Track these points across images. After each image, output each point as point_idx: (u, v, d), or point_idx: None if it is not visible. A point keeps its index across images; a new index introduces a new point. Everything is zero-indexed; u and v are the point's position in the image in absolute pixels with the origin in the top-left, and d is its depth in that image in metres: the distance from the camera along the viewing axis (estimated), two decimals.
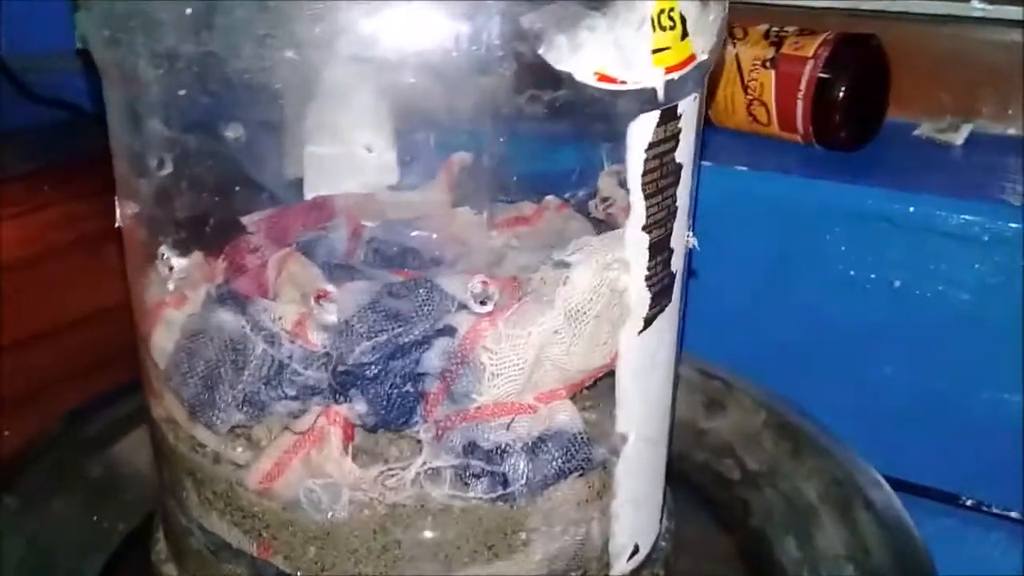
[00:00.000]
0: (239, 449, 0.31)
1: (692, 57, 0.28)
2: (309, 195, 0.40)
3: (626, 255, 0.29)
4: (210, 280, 0.33)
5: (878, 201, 0.55)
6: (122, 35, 0.27)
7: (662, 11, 0.26)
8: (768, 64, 0.60)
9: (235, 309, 0.31)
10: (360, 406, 0.29)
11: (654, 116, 0.28)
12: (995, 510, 0.54)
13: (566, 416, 0.30)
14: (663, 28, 0.27)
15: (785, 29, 0.61)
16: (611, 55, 0.25)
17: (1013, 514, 0.53)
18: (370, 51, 0.26)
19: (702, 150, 0.63)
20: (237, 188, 0.38)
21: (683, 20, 0.27)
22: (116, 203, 0.33)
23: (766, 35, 0.61)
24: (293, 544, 0.30)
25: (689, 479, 0.49)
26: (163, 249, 0.31)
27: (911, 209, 0.54)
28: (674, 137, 0.29)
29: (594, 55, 0.25)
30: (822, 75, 0.58)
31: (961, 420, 0.55)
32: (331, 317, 0.30)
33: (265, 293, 0.33)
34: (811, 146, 0.61)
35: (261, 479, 0.30)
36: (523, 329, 0.28)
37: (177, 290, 0.32)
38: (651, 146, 0.28)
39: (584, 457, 0.31)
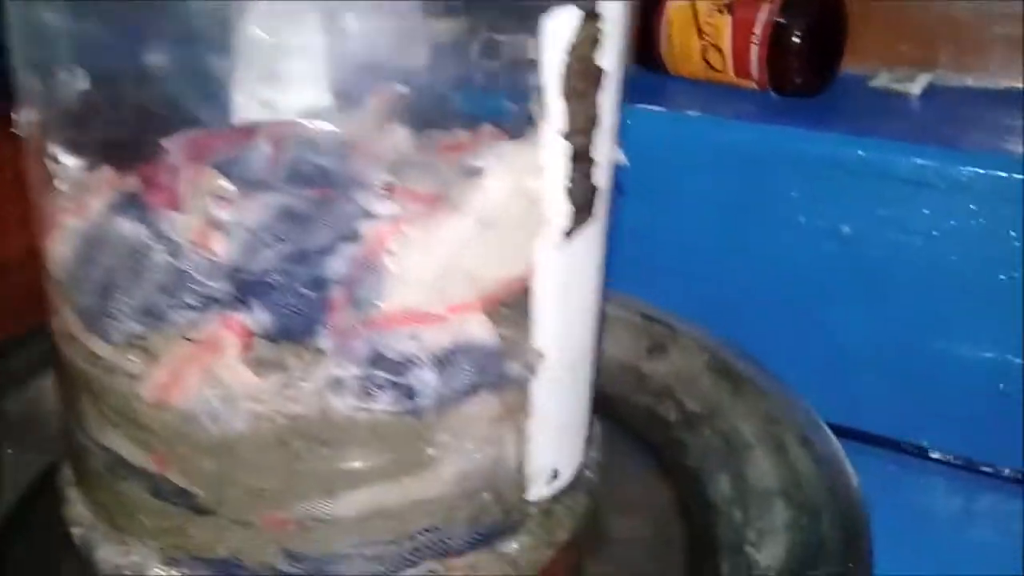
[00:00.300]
0: (135, 360, 0.29)
1: None
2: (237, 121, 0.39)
3: (542, 161, 0.28)
4: (115, 191, 0.32)
5: (829, 146, 0.54)
6: None
7: None
8: (724, 9, 0.59)
9: (136, 218, 0.30)
10: (261, 314, 0.28)
11: (573, 12, 0.27)
12: (939, 456, 0.53)
13: (479, 328, 0.29)
14: None
15: None
16: None
17: (954, 459, 0.53)
18: None
19: (657, 96, 0.62)
20: (158, 111, 0.37)
21: None
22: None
23: None
24: (190, 458, 0.29)
25: (630, 422, 0.49)
26: (52, 147, 0.30)
27: (862, 154, 0.53)
28: (595, 39, 0.28)
29: None
30: (778, 20, 0.57)
31: (914, 368, 0.54)
32: (235, 227, 0.29)
33: (175, 206, 0.32)
34: (766, 93, 0.60)
35: (156, 390, 0.29)
36: (430, 233, 0.27)
37: (75, 197, 0.30)
38: (569, 45, 0.27)
39: (497, 373, 0.30)
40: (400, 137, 0.31)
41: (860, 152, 0.53)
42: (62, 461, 0.37)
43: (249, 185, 0.31)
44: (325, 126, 0.34)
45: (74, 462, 0.34)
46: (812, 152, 0.54)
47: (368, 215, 0.27)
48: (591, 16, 0.27)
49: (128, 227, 0.30)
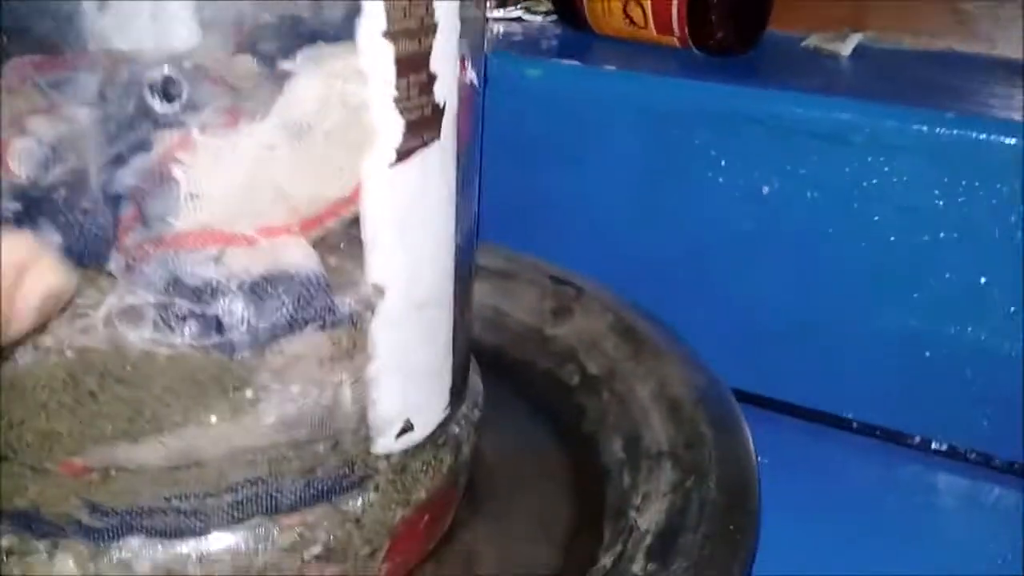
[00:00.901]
0: None
1: None
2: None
3: (361, 64, 0.25)
4: None
5: (747, 102, 0.51)
6: None
7: None
8: None
9: None
10: (50, 235, 0.25)
11: None
12: (857, 426, 0.51)
13: (298, 255, 0.26)
14: None
15: None
16: None
17: (877, 432, 0.50)
18: None
19: (577, 53, 0.59)
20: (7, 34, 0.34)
21: None
22: None
23: None
24: None
25: (530, 386, 0.46)
26: None
27: (780, 109, 0.50)
28: None
29: None
30: None
31: (837, 334, 0.52)
32: (34, 143, 0.26)
33: None
34: (689, 51, 0.57)
35: None
36: (227, 140, 0.24)
37: None
38: None
39: (323, 306, 0.27)
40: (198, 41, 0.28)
41: (778, 107, 0.50)
42: None
43: (58, 102, 0.28)
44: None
45: None
46: (729, 108, 0.51)
47: (158, 123, 0.24)
48: None
49: None
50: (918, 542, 0.44)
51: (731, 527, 0.32)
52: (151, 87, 0.24)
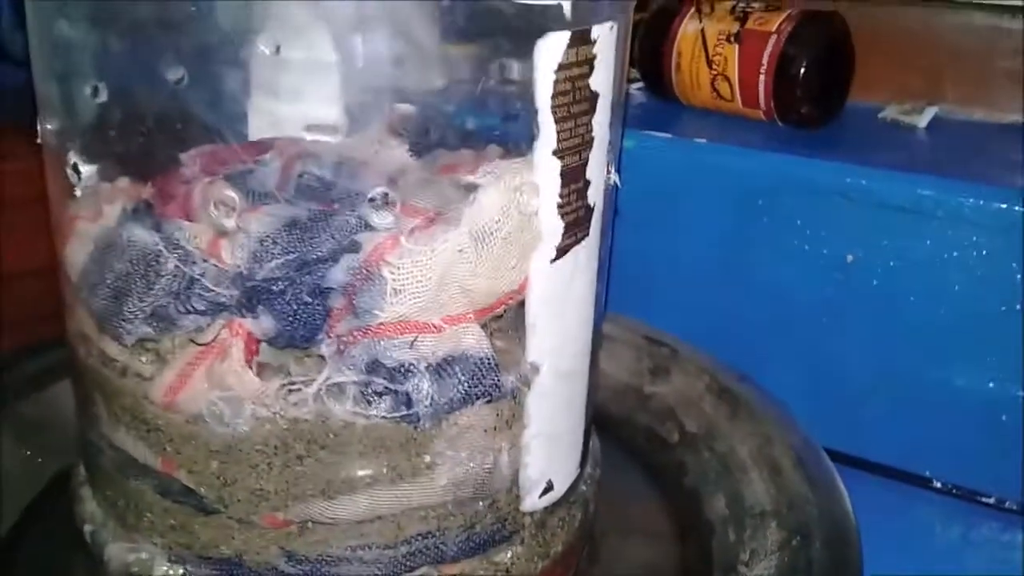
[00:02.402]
0: (145, 362, 0.31)
1: None
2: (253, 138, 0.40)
3: (535, 179, 0.30)
4: (131, 199, 0.33)
5: (832, 175, 0.54)
6: None
7: None
8: (732, 39, 0.60)
9: (149, 225, 0.31)
10: (266, 321, 0.29)
11: (564, 36, 0.28)
12: (940, 486, 0.54)
13: (473, 339, 0.30)
14: None
15: (751, 5, 0.61)
16: None
17: (955, 490, 0.53)
18: None
19: (667, 124, 0.63)
20: (175, 124, 0.38)
21: None
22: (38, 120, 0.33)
23: (732, 10, 0.61)
24: (196, 458, 0.30)
25: (632, 442, 0.50)
26: (72, 157, 0.31)
27: (864, 183, 0.54)
28: (588, 63, 0.30)
29: None
30: (784, 51, 0.58)
31: (915, 397, 0.55)
32: (242, 236, 0.30)
33: (188, 216, 0.33)
34: (774, 123, 0.61)
35: (165, 391, 0.30)
36: (427, 246, 0.28)
37: (92, 204, 0.32)
38: (561, 67, 0.28)
39: (492, 383, 0.31)
40: (401, 154, 0.33)
41: (862, 181, 0.53)
42: (76, 462, 0.38)
43: (257, 197, 0.33)
44: (330, 142, 0.36)
45: (87, 462, 0.35)
46: (815, 180, 0.54)
47: (368, 227, 0.29)
48: (583, 39, 0.29)
49: (142, 234, 0.31)
50: None
51: None
52: (372, 200, 0.28)
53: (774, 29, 0.58)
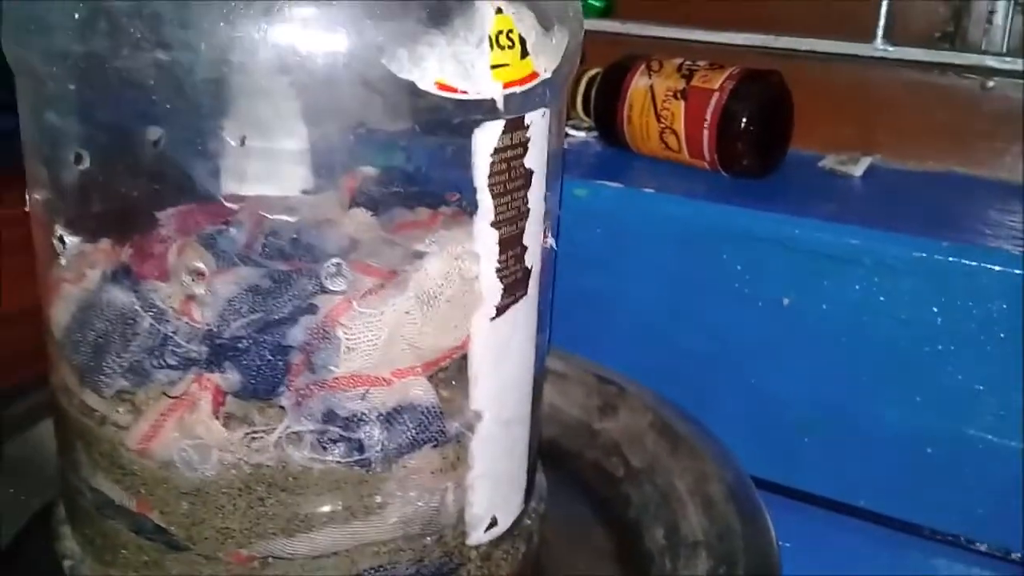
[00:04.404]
0: (122, 412, 0.34)
1: (534, 75, 0.32)
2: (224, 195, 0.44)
3: (476, 247, 0.33)
4: (111, 263, 0.37)
5: (770, 225, 0.59)
6: (25, 36, 0.30)
7: (500, 32, 0.30)
8: (679, 95, 0.64)
9: (127, 287, 0.34)
10: (232, 375, 0.33)
11: (498, 124, 0.32)
12: (867, 509, 0.57)
13: (420, 391, 0.34)
14: (501, 47, 0.30)
15: (697, 63, 0.65)
16: (451, 67, 0.29)
17: (880, 514, 0.57)
18: (260, 59, 0.30)
19: (619, 172, 0.67)
20: (152, 187, 0.42)
21: (522, 41, 0.31)
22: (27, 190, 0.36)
23: (679, 68, 0.65)
24: (168, 500, 0.33)
25: (582, 475, 0.53)
26: (58, 229, 0.34)
27: (798, 233, 0.58)
28: (522, 145, 0.33)
29: (434, 67, 0.29)
30: (726, 106, 0.62)
31: (849, 430, 0.58)
32: (212, 297, 0.34)
33: (163, 277, 0.37)
34: (718, 173, 0.65)
35: (140, 439, 0.33)
36: (376, 309, 0.32)
37: (75, 268, 0.35)
38: (496, 151, 0.32)
39: (438, 430, 0.34)
40: (358, 220, 0.36)
41: (796, 231, 0.57)
42: (56, 501, 0.41)
43: (226, 259, 0.36)
44: (296, 211, 0.39)
45: (67, 502, 0.38)
46: (755, 229, 0.58)
47: (324, 290, 0.32)
48: (517, 126, 0.32)
49: (119, 295, 0.34)
50: None
51: None
52: (326, 272, 0.31)
53: (717, 86, 0.63)
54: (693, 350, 0.61)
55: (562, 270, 0.62)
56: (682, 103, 0.64)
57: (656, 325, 0.62)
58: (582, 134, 0.74)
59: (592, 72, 0.72)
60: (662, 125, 0.65)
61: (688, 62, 0.65)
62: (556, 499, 0.47)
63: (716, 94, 0.62)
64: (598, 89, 0.70)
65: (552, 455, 0.53)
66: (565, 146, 0.73)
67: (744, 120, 0.62)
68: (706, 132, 0.63)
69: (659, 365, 0.61)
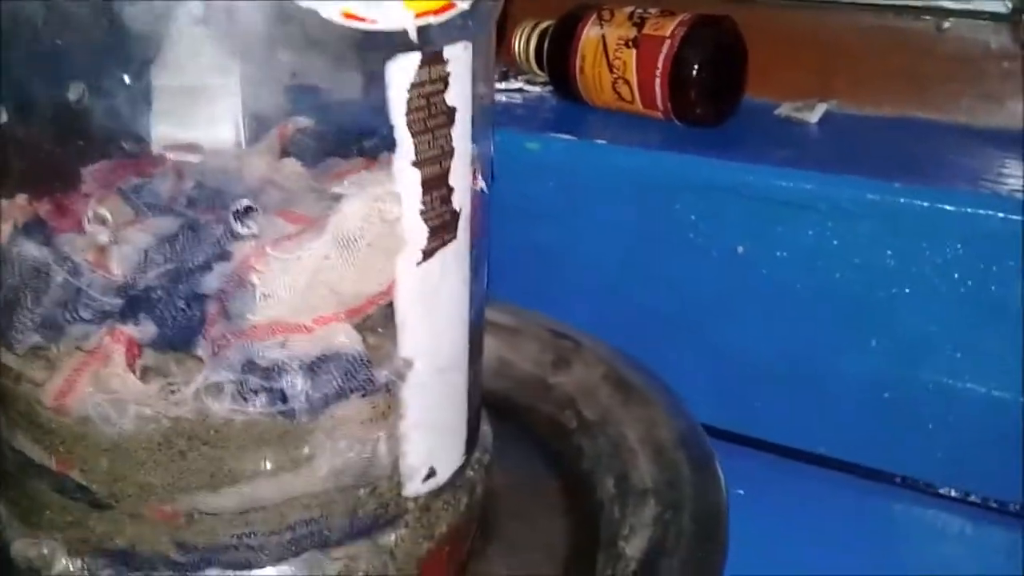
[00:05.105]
0: (37, 369, 0.33)
1: (451, 5, 0.31)
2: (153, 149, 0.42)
3: (396, 188, 0.32)
4: (26, 217, 0.35)
5: (723, 173, 0.58)
6: None
7: None
8: (630, 44, 0.63)
9: (41, 241, 0.33)
10: (147, 326, 0.32)
11: (414, 57, 0.31)
12: (825, 454, 0.57)
13: (344, 338, 0.33)
14: None
15: (648, 11, 0.64)
16: None
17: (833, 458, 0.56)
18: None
19: (573, 125, 0.65)
20: (75, 142, 0.40)
21: None
22: None
23: (630, 16, 0.64)
24: (87, 457, 0.32)
25: (535, 429, 0.52)
26: None
27: (752, 179, 0.57)
28: (442, 80, 0.32)
29: None
30: (677, 54, 0.61)
31: (806, 378, 0.58)
32: (127, 248, 0.32)
33: (78, 230, 0.35)
34: (672, 122, 0.64)
35: (55, 396, 0.32)
36: (292, 254, 0.31)
37: None
38: (413, 86, 0.31)
39: (365, 378, 0.33)
40: (275, 165, 0.35)
41: (749, 178, 0.57)
42: None
43: (145, 210, 0.35)
44: (205, 155, 0.37)
45: None
46: (708, 178, 0.58)
47: (236, 236, 0.31)
48: (435, 60, 0.31)
49: (32, 249, 0.33)
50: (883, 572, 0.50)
51: (702, 554, 0.39)
52: (235, 212, 0.30)
53: (668, 34, 0.61)
54: (648, 302, 0.60)
55: (516, 225, 0.62)
56: (634, 52, 0.63)
57: (611, 278, 0.61)
58: (537, 89, 0.73)
59: (544, 24, 0.70)
60: (615, 75, 0.64)
61: (639, 10, 0.64)
62: (508, 453, 0.46)
63: (667, 41, 0.61)
64: (550, 41, 0.68)
65: (505, 410, 0.52)
66: (520, 100, 0.72)
67: (696, 67, 0.60)
68: (658, 81, 0.62)
69: (615, 318, 0.60)
